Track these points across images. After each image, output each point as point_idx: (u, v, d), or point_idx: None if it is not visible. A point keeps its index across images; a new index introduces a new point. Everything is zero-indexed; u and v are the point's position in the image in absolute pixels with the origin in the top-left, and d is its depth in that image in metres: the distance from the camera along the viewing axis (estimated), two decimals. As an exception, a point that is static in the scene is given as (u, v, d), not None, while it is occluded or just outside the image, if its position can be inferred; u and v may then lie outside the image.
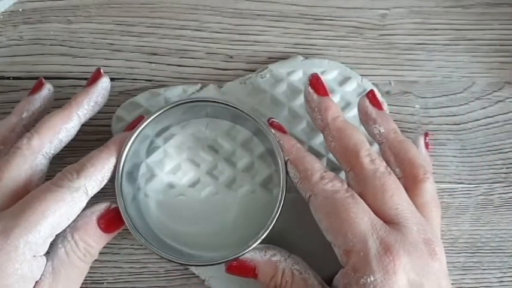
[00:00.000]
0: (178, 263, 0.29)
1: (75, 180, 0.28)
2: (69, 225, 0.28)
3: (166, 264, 0.34)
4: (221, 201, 0.33)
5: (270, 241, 0.30)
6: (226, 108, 0.31)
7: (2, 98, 0.36)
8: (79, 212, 0.28)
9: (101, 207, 0.29)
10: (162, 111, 0.31)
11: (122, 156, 0.30)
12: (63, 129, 0.30)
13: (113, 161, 0.29)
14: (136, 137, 0.30)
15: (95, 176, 0.28)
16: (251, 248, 0.29)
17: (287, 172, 0.30)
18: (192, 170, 0.34)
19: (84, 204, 0.28)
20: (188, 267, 0.34)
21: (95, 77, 0.32)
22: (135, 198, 0.32)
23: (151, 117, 0.31)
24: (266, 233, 0.29)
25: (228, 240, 0.32)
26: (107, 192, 0.30)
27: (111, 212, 0.29)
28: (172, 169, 0.34)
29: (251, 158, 0.34)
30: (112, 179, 0.30)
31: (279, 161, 0.30)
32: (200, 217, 0.33)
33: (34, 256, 0.26)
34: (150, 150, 0.34)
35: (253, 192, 0.33)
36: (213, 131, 0.34)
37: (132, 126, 0.31)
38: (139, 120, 0.31)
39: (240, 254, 0.29)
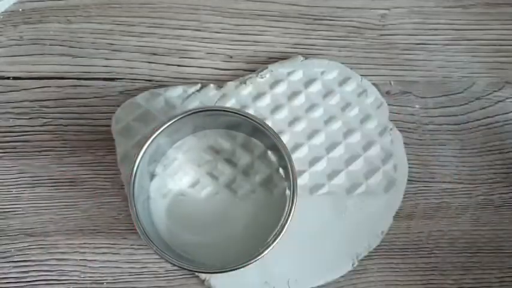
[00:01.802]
0: (191, 270, 0.29)
1: None
2: None
3: (166, 264, 0.34)
4: (232, 210, 0.33)
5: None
6: (238, 118, 0.31)
7: (2, 97, 0.36)
8: None
9: None
10: (174, 120, 0.30)
11: (135, 163, 0.30)
12: None
13: None
14: (149, 145, 0.30)
15: None
16: (263, 255, 0.29)
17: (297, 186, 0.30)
18: (209, 182, 0.34)
19: None
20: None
21: None
22: (145, 206, 0.32)
23: (164, 126, 0.30)
24: (277, 240, 0.29)
25: (237, 249, 0.32)
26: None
27: None
28: (183, 178, 0.34)
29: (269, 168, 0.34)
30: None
31: (290, 175, 0.30)
32: (211, 227, 0.33)
33: None
34: (162, 159, 0.34)
35: (268, 198, 0.33)
36: (228, 141, 0.34)
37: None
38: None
39: (253, 261, 0.29)
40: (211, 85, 0.36)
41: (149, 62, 0.37)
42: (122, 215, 0.34)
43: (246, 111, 0.34)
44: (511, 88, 0.37)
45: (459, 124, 0.36)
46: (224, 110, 0.31)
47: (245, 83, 0.36)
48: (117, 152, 0.34)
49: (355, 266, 0.33)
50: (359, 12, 0.38)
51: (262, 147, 0.34)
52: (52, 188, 0.35)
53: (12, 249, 0.34)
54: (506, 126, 0.36)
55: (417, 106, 0.37)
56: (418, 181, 0.35)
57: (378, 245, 0.34)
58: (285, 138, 0.34)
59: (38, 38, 0.37)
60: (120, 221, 0.34)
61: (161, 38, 0.37)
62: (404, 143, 0.35)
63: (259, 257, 0.29)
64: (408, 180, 0.35)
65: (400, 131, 0.36)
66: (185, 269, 0.29)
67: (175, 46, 0.37)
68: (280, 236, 0.29)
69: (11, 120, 0.36)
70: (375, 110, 0.36)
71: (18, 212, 0.34)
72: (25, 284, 0.33)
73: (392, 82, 0.37)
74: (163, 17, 0.38)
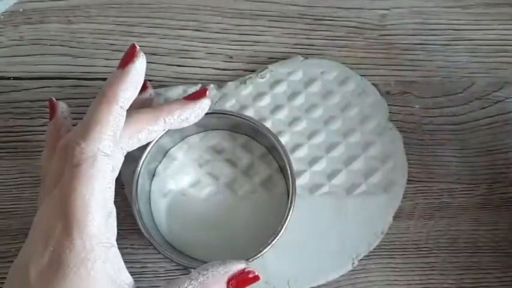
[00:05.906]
0: (190, 267, 0.30)
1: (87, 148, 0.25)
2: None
3: (166, 264, 0.34)
4: (232, 210, 0.33)
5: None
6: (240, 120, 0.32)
7: (2, 98, 0.36)
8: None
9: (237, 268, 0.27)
10: None
11: (138, 163, 0.30)
12: (145, 129, 0.28)
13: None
14: (152, 147, 0.31)
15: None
16: (261, 253, 0.29)
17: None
18: (210, 182, 0.34)
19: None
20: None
21: (199, 95, 0.30)
22: (146, 205, 0.33)
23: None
24: (276, 240, 0.29)
25: (237, 249, 0.32)
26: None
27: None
28: (184, 178, 0.34)
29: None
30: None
31: (289, 175, 0.31)
32: (211, 226, 0.33)
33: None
34: (163, 159, 0.34)
35: (261, 194, 0.34)
36: (228, 142, 0.34)
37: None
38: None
39: (252, 260, 0.29)
40: (211, 85, 0.36)
41: (149, 62, 0.37)
42: (121, 214, 0.34)
43: (245, 112, 0.35)
44: (511, 88, 0.37)
45: (459, 124, 0.37)
46: (222, 113, 0.32)
47: (245, 83, 0.36)
48: (117, 152, 0.34)
49: (355, 266, 0.33)
50: (359, 12, 0.38)
51: (262, 148, 0.34)
52: (52, 188, 0.35)
53: (13, 249, 0.34)
54: (506, 126, 0.37)
55: (417, 106, 0.37)
56: (417, 181, 0.35)
57: (378, 245, 0.34)
58: (285, 138, 0.35)
59: (39, 38, 0.37)
60: (119, 221, 0.34)
61: (161, 38, 0.37)
62: (404, 143, 0.35)
63: (259, 255, 0.29)
64: (408, 180, 0.35)
65: (400, 131, 0.36)
66: (185, 266, 0.30)
67: (175, 46, 0.37)
68: (279, 235, 0.29)
69: (12, 120, 0.36)
70: (375, 110, 0.36)
71: (18, 212, 0.34)
72: (25, 283, 0.33)
73: (392, 82, 0.37)
74: (163, 17, 0.38)
